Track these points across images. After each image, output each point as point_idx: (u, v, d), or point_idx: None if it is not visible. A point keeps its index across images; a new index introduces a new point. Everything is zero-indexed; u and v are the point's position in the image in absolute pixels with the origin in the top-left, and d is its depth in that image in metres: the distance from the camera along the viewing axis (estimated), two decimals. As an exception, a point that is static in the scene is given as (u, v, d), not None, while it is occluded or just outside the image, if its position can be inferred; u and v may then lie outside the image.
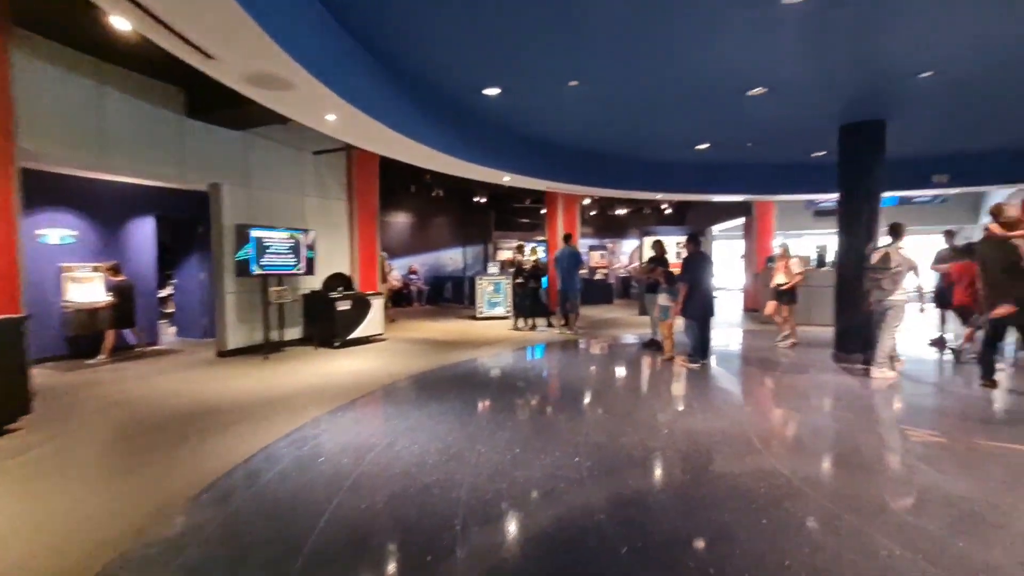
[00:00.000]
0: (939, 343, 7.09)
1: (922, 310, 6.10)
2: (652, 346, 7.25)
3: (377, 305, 8.17)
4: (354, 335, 7.79)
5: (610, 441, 3.68)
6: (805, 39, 4.30)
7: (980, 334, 5.79)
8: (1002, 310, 4.91)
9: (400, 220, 15.54)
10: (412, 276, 14.85)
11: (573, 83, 5.15)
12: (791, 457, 3.42)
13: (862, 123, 6.49)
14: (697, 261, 6.22)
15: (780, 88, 5.38)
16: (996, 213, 5.11)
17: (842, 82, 5.30)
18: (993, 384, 5.06)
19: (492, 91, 5.47)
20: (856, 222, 6.43)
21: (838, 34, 4.18)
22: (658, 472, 3.25)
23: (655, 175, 9.55)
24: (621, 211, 17.73)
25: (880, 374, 5.53)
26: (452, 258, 16.92)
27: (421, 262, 15.67)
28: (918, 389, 5.30)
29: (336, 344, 7.54)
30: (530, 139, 7.76)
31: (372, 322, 8.06)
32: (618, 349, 7.73)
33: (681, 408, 4.65)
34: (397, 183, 13.11)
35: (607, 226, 18.89)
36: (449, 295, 15.03)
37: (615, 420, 4.19)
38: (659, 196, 11.45)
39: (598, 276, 15.90)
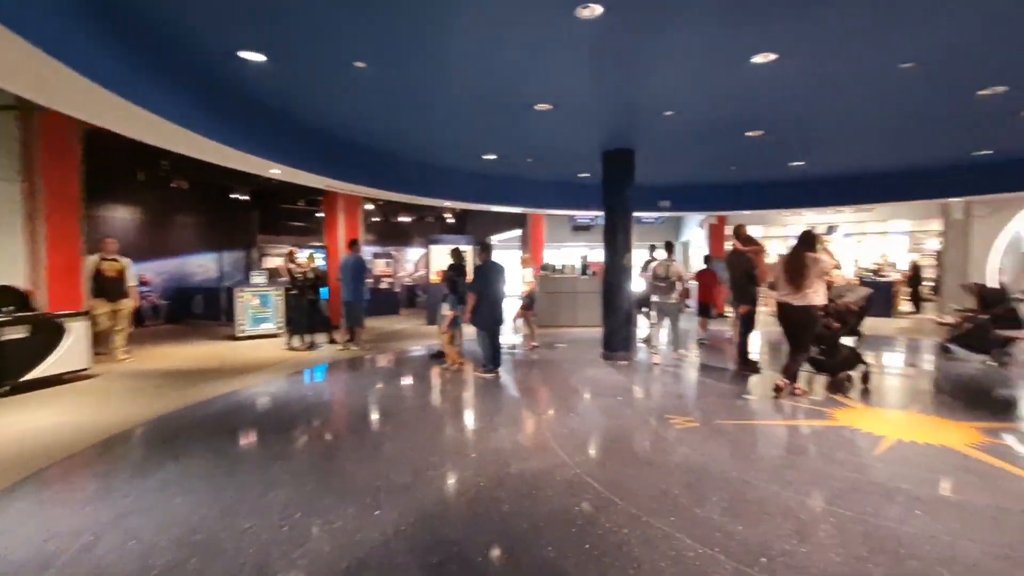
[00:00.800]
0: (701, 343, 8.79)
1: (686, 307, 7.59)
2: (439, 357, 7.02)
3: (78, 330, 5.92)
4: (36, 374, 5.47)
5: (415, 479, 3.19)
6: (587, 60, 4.55)
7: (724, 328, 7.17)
8: (743, 309, 6.45)
9: (123, 216, 12.05)
10: (142, 288, 11.61)
11: (360, 64, 4.49)
12: (598, 466, 3.48)
13: (618, 150, 7.50)
14: (487, 270, 6.21)
15: (563, 107, 5.73)
16: (738, 233, 6.61)
17: (609, 109, 5.94)
18: (752, 368, 6.41)
19: (253, 56, 4.36)
20: (615, 237, 7.39)
21: (612, 60, 4.54)
22: (479, 516, 2.82)
23: (443, 181, 9.44)
24: (405, 218, 17.38)
25: (677, 355, 7.27)
26: (202, 265, 13.94)
27: (157, 270, 12.44)
28: (678, 378, 6.26)
29: (2, 389, 5.16)
30: (308, 127, 6.68)
31: (69, 354, 5.80)
32: (409, 363, 7.26)
33: (482, 425, 4.44)
34: (117, 167, 10.08)
35: (389, 233, 18.28)
36: (199, 310, 12.25)
37: (416, 450, 3.71)
38: (447, 204, 11.43)
39: (383, 285, 15.16)
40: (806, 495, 2.97)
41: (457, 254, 7.05)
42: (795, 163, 8.61)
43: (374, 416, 4.73)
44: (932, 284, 13.63)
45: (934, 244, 14.08)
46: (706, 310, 9.16)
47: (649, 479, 3.21)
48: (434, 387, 5.83)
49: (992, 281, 11.06)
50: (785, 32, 3.91)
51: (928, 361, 7.42)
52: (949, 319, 7.80)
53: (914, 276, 13.58)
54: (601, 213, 7.80)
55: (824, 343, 5.61)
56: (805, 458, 3.59)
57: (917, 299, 13.43)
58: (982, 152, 7.93)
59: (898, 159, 8.42)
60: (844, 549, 2.39)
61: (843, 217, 15.99)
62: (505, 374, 6.31)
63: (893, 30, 3.89)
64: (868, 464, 3.42)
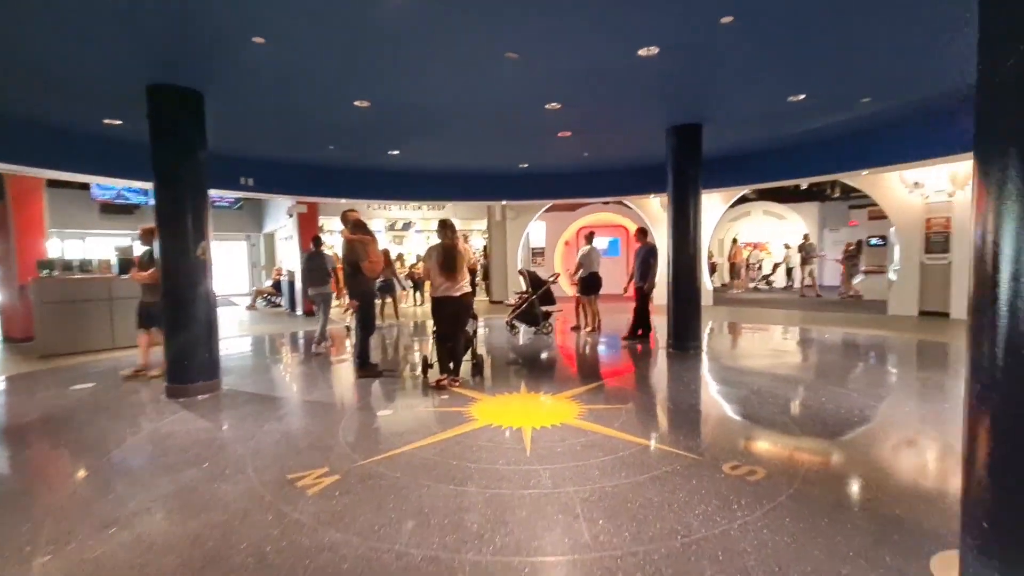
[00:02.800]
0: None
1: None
2: None
3: None
4: None
5: None
6: None
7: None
8: (353, 304, 5.47)
9: None
10: None
11: None
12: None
13: (177, 90, 5.14)
14: None
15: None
16: (346, 219, 5.49)
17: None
18: (373, 372, 5.61)
19: None
20: (180, 220, 5.04)
21: None
22: None
23: None
24: None
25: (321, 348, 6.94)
26: None
27: None
28: (292, 406, 4.69)
29: None
30: None
31: None
32: None
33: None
34: None
35: None
36: None
37: None
38: None
39: None
40: (513, 549, 2.30)
41: None
42: (392, 151, 8.40)
43: None
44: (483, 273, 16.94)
45: (480, 240, 17.53)
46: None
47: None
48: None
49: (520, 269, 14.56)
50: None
51: (503, 337, 8.66)
52: (511, 301, 9.41)
53: (471, 267, 16.53)
54: (150, 186, 5.22)
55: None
56: (469, 488, 2.98)
57: (473, 285, 16.42)
58: (523, 165, 9.91)
59: (472, 160, 9.49)
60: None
61: (419, 214, 17.80)
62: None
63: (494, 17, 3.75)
64: (529, 468, 3.13)
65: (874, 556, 2.18)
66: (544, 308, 8.80)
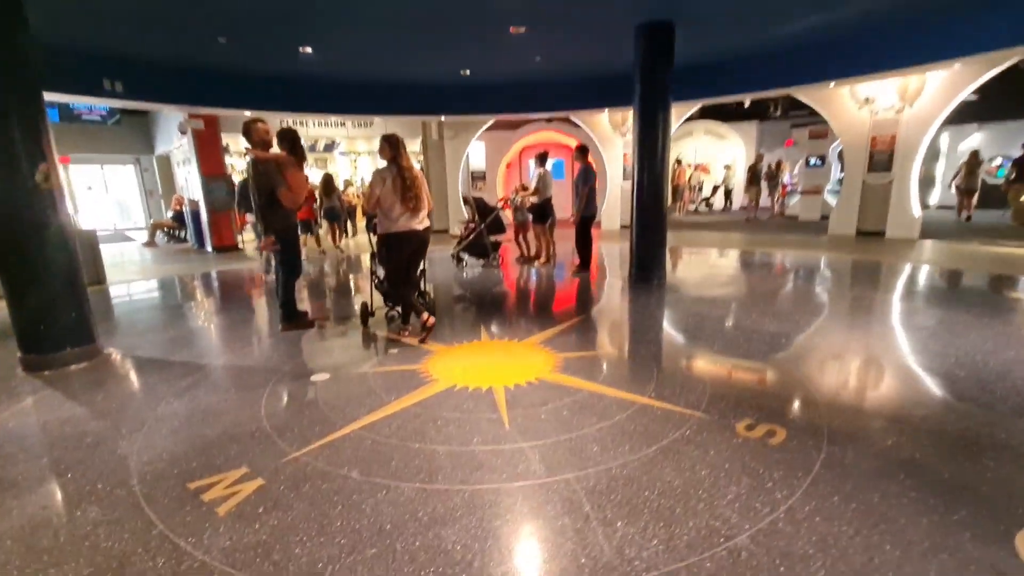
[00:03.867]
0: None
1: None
2: None
3: None
4: None
5: None
6: None
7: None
8: (265, 244, 4.43)
9: None
10: None
11: None
12: None
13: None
14: None
15: None
16: (250, 133, 4.34)
17: None
18: (303, 323, 4.78)
19: None
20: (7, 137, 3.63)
21: None
22: None
23: None
24: None
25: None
26: None
27: None
28: (195, 381, 3.74)
29: None
30: None
31: None
32: None
33: None
34: None
35: None
36: None
37: None
38: None
39: None
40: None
41: None
42: (305, 49, 6.83)
43: None
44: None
45: (415, 163, 15.98)
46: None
47: None
48: None
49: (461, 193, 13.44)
50: None
51: (448, 272, 7.84)
52: (458, 231, 8.49)
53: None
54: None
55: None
56: (441, 485, 2.33)
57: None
58: (465, 72, 8.58)
59: (404, 66, 8.05)
60: None
61: (341, 132, 15.80)
62: None
63: None
64: (513, 448, 2.51)
65: (954, 545, 1.78)
66: (493, 238, 8.04)
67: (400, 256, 4.26)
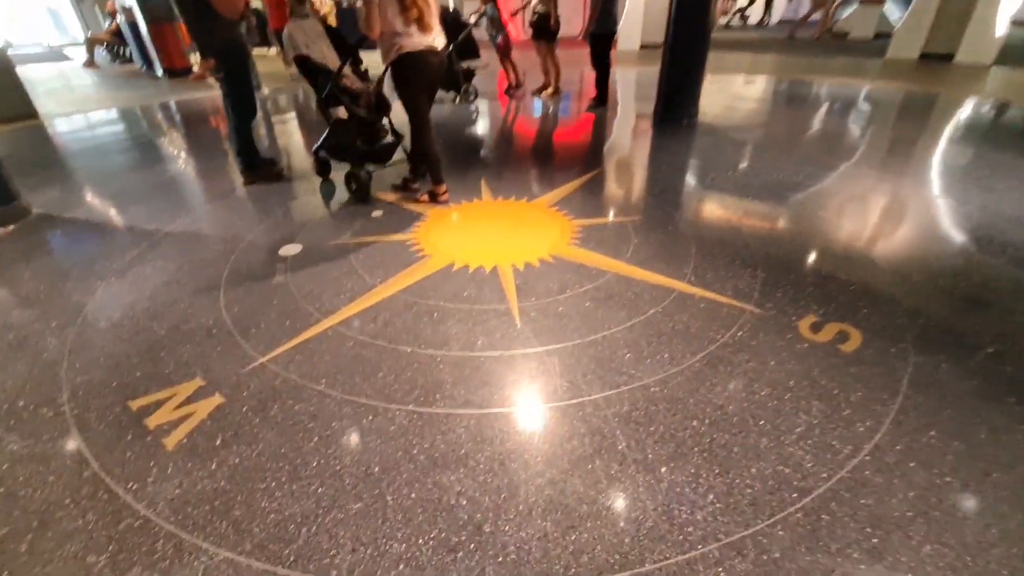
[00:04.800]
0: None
1: None
2: None
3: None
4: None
5: None
6: None
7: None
8: (200, 71, 3.46)
9: None
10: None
11: None
12: None
13: None
14: None
15: None
16: None
17: None
18: (269, 173, 4.07)
19: None
20: None
21: None
22: None
23: None
24: None
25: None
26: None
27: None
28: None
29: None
30: None
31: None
32: None
33: None
34: None
35: None
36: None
37: None
38: None
39: None
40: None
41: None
42: None
43: None
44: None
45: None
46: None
47: None
48: None
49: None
50: None
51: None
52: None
53: None
54: None
55: (367, 123, 3.63)
56: (441, 409, 1.90)
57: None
58: None
59: None
60: None
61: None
62: None
63: None
64: (536, 364, 2.06)
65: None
66: (465, 64, 6.57)
67: (418, 84, 3.19)
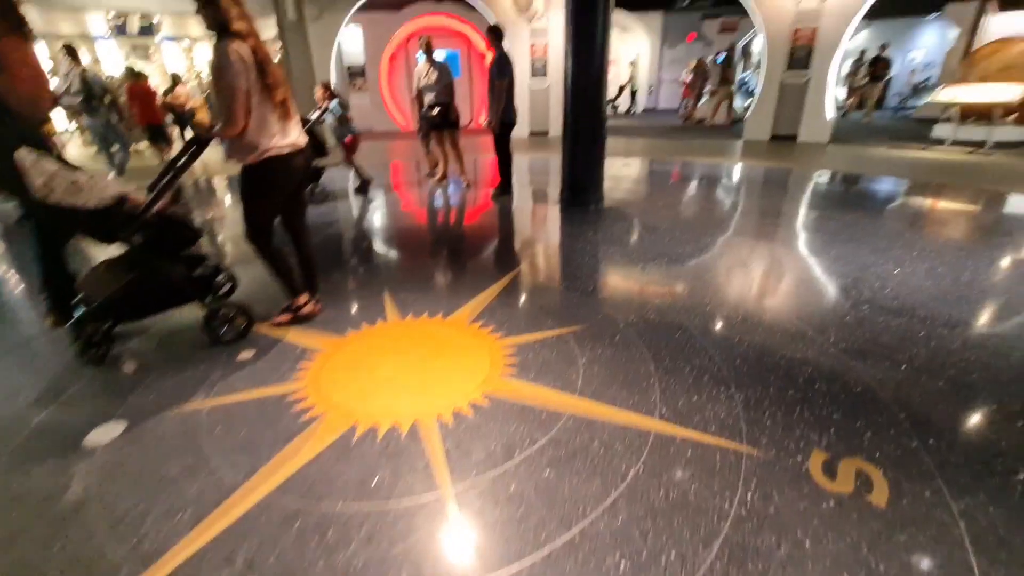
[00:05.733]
0: None
1: None
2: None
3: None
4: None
5: None
6: None
7: None
8: None
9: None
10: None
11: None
12: None
13: None
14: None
15: None
16: None
17: None
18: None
19: None
20: None
21: None
22: None
23: None
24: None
25: None
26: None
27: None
28: None
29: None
30: None
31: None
32: None
33: None
34: None
35: None
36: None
37: None
38: None
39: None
40: None
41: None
42: None
43: None
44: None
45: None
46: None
47: None
48: None
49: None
50: None
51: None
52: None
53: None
54: None
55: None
56: None
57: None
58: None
59: None
60: None
61: (157, 4, 11.86)
62: None
63: None
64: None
65: None
66: (317, 162, 5.90)
67: (283, 187, 2.58)
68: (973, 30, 10.92)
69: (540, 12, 10.57)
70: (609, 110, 16.94)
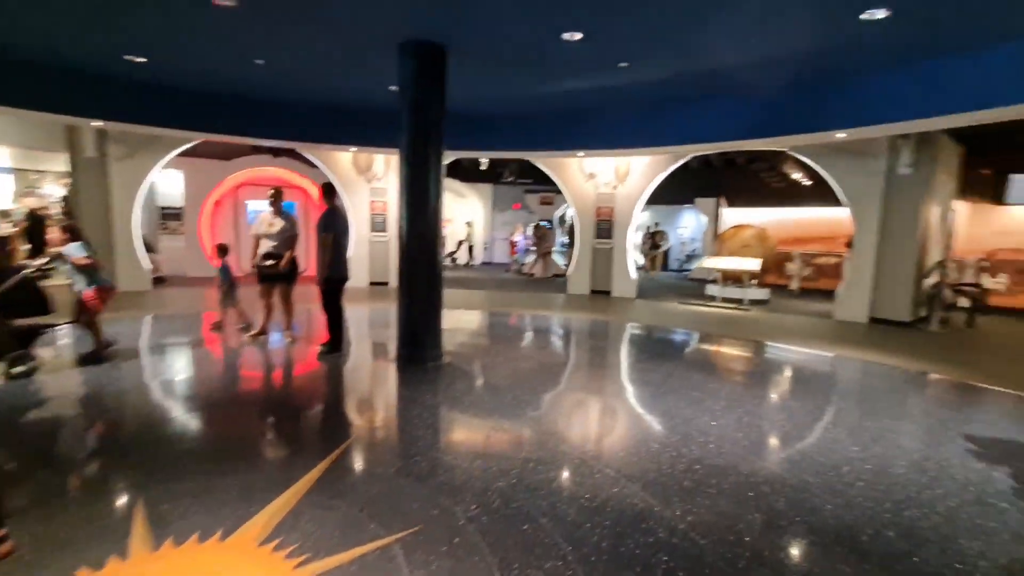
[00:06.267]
0: None
1: None
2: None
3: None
4: None
5: None
6: None
7: None
8: None
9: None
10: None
11: None
12: None
13: None
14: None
15: None
16: None
17: None
18: None
19: None
20: None
21: None
22: None
23: None
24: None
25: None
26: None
27: None
28: None
29: None
30: None
31: None
32: None
33: None
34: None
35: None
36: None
37: None
38: None
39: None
40: None
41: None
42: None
43: None
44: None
45: (57, 189, 10.91)
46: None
47: None
48: None
49: (139, 240, 9.56)
50: None
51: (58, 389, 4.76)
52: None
53: (35, 229, 9.99)
54: None
55: None
56: None
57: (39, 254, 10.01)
58: (138, 59, 5.76)
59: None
60: None
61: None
62: None
63: None
64: None
65: None
66: (23, 322, 4.38)
67: None
68: (716, 217, 14.52)
69: (379, 175, 11.15)
70: (449, 261, 17.89)
